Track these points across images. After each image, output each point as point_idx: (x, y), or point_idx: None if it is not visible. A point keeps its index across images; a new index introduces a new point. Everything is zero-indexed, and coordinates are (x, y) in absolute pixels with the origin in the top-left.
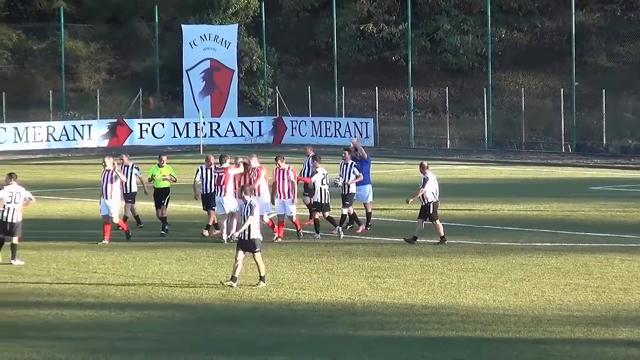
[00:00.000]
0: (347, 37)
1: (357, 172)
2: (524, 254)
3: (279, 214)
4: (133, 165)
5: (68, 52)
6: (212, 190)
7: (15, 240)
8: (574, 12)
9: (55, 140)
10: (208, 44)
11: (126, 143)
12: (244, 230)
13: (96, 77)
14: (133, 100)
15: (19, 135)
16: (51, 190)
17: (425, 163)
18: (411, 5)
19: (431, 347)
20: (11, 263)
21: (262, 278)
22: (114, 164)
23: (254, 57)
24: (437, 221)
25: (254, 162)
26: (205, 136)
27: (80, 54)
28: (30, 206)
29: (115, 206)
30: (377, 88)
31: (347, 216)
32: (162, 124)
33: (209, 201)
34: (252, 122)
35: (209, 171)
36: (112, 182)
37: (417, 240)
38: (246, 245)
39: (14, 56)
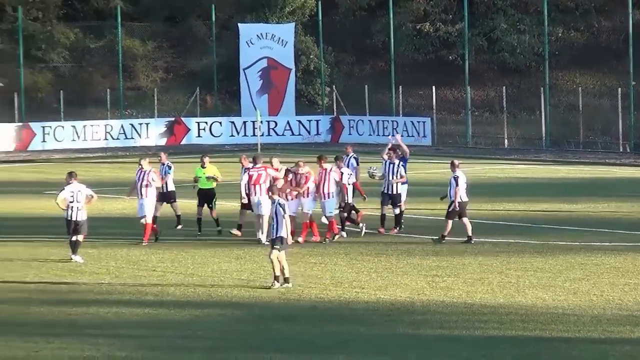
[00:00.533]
0: (403, 36)
1: (404, 173)
2: (582, 254)
3: (305, 213)
4: (167, 164)
5: (125, 51)
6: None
7: (80, 237)
8: (630, 11)
9: (113, 138)
10: (265, 43)
11: (184, 142)
12: (273, 229)
13: (153, 76)
14: (190, 99)
15: (77, 133)
16: (110, 189)
17: (456, 161)
18: (468, 4)
19: (490, 346)
20: (71, 259)
21: (286, 279)
22: (150, 165)
23: (311, 56)
24: (465, 219)
25: (303, 169)
26: (262, 135)
27: (137, 53)
28: (93, 204)
29: (149, 206)
30: (434, 87)
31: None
32: (220, 123)
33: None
34: (309, 120)
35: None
36: (147, 185)
37: (447, 239)
38: (275, 243)
39: (71, 55)
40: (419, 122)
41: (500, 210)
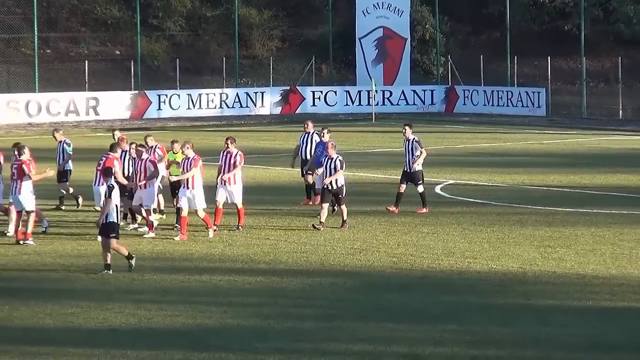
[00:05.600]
0: (519, 6)
1: (421, 148)
2: None
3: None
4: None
5: (241, 20)
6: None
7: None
8: None
9: (228, 107)
10: (381, 12)
11: (298, 110)
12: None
13: (269, 45)
14: (306, 68)
15: (193, 102)
16: None
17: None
18: None
19: (602, 317)
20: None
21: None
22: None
23: (427, 26)
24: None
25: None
26: (377, 104)
27: (253, 21)
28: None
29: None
30: (549, 57)
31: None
32: (335, 92)
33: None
34: (424, 90)
35: (307, 137)
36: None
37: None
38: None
39: (187, 23)
40: (533, 92)
41: (614, 181)
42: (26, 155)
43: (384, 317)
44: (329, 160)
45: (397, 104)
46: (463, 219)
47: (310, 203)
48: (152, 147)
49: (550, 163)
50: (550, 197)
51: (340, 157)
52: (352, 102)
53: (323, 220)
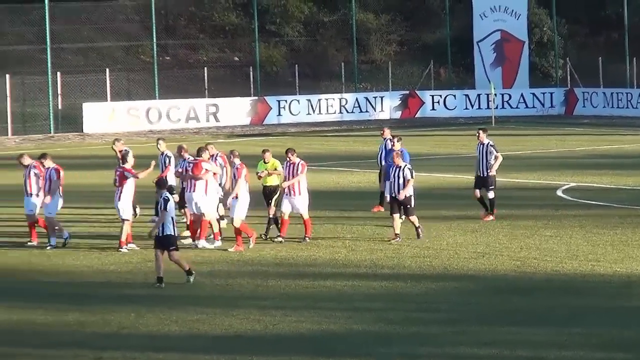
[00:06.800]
0: (637, 7)
1: (496, 153)
2: None
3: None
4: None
5: (359, 24)
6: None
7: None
8: None
9: (347, 112)
10: (498, 16)
11: (418, 115)
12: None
13: (387, 49)
14: (424, 72)
15: (312, 107)
16: (344, 162)
17: None
18: None
19: None
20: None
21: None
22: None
23: (544, 28)
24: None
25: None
26: (496, 107)
27: (370, 26)
28: (320, 178)
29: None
30: None
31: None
32: (454, 96)
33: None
34: (543, 93)
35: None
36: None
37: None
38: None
39: (305, 28)
40: None
41: None
42: (129, 163)
43: (508, 321)
44: (397, 169)
45: (517, 107)
46: (585, 221)
47: (382, 210)
48: (213, 155)
49: None
50: None
51: (409, 166)
52: (472, 106)
53: (398, 231)
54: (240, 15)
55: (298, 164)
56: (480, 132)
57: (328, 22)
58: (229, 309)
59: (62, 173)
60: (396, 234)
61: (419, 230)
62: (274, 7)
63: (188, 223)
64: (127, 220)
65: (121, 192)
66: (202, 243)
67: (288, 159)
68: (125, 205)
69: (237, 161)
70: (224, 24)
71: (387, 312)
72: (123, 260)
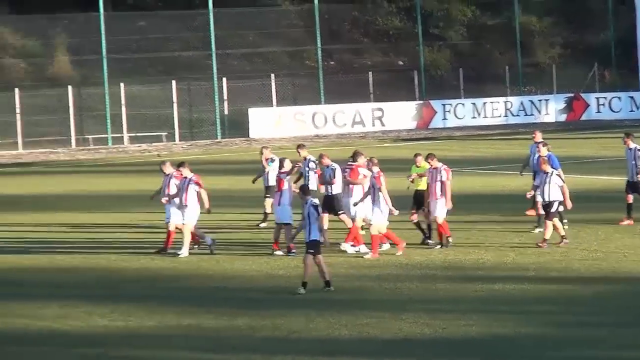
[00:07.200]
0: None
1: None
2: None
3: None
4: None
5: (522, 27)
6: None
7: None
8: None
9: (512, 115)
10: None
11: (583, 117)
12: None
13: (551, 52)
14: (589, 74)
15: (477, 110)
16: (508, 165)
17: None
18: None
19: None
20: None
21: (327, 283)
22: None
23: None
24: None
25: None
26: None
27: (534, 29)
28: (487, 181)
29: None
30: None
31: None
32: (619, 98)
33: None
34: None
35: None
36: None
37: None
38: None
39: (469, 32)
40: None
41: None
42: (286, 167)
43: None
44: (544, 175)
45: None
46: None
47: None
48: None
49: None
50: None
51: (557, 172)
52: (637, 108)
53: (563, 233)
54: (404, 19)
55: (440, 169)
56: (627, 137)
57: (491, 25)
58: (398, 313)
59: (201, 182)
60: (562, 237)
61: (545, 242)
62: (437, 10)
63: (350, 227)
64: (289, 224)
65: (280, 197)
66: (348, 247)
67: (429, 164)
68: (283, 210)
69: (375, 169)
70: (387, 28)
71: (556, 315)
72: (292, 264)
